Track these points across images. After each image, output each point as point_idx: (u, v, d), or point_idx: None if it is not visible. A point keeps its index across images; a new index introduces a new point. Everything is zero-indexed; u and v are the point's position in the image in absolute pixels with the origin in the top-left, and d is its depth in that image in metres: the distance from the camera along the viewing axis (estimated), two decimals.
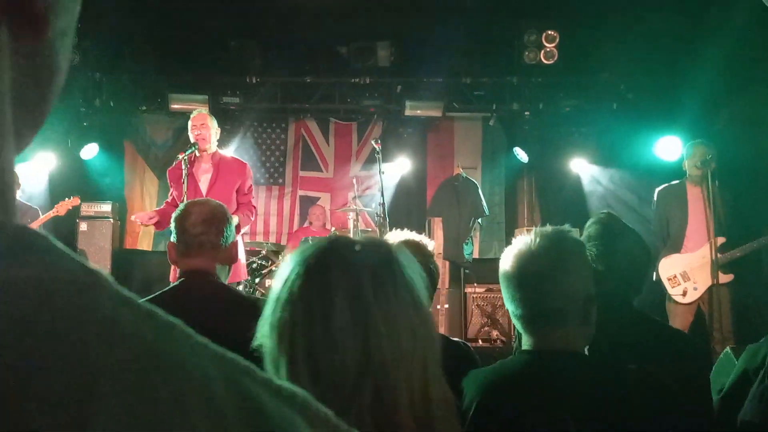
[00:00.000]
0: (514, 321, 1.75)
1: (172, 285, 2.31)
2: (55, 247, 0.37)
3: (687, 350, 2.19)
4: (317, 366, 0.99)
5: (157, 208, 5.09)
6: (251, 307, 2.27)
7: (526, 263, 1.69)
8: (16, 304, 0.33)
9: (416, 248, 2.36)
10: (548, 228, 1.76)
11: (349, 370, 0.98)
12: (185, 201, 4.54)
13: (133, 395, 0.32)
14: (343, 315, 0.99)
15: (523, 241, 1.73)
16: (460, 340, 2.43)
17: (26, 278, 0.34)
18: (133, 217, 4.96)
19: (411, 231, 2.68)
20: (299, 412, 0.39)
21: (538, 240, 1.71)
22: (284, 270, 1.07)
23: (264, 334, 1.05)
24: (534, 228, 1.78)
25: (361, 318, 0.99)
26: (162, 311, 0.38)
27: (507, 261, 1.74)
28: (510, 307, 1.73)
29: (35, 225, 5.91)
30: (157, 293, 2.27)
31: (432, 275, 2.34)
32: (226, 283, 2.46)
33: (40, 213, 6.09)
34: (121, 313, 0.36)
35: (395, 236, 2.46)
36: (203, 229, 2.31)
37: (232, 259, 2.41)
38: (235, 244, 2.40)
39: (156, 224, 4.79)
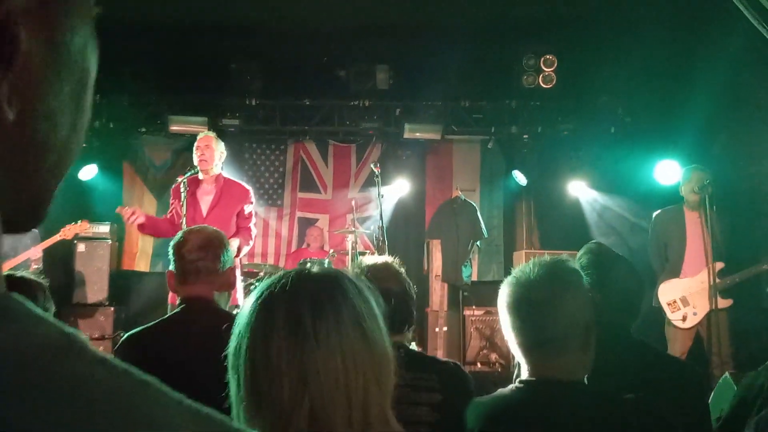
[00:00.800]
0: (513, 350, 1.77)
1: (172, 312, 2.32)
2: (32, 312, 0.38)
3: (684, 378, 2.20)
4: (257, 394, 1.05)
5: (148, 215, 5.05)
6: None
7: (526, 292, 1.71)
8: None
9: (387, 269, 2.35)
10: (546, 257, 1.79)
11: (285, 395, 1.02)
12: (184, 223, 4.57)
13: None
14: (280, 345, 1.04)
15: (522, 270, 1.76)
16: (450, 360, 2.43)
17: (2, 345, 0.34)
18: (117, 209, 4.88)
19: (398, 255, 2.67)
20: None
21: (536, 269, 1.73)
22: (249, 298, 1.13)
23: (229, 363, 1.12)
24: (533, 258, 1.80)
25: (298, 348, 1.03)
26: (137, 369, 0.38)
27: (506, 290, 1.76)
28: (509, 336, 1.75)
29: (40, 248, 5.90)
30: (157, 321, 2.29)
31: (406, 292, 2.33)
32: (226, 308, 2.48)
33: (39, 235, 6.07)
34: (96, 374, 0.36)
35: (368, 260, 2.47)
36: (200, 255, 2.33)
37: (231, 284, 2.43)
38: (232, 270, 2.42)
39: (139, 226, 4.77)
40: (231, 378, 1.10)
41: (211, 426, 0.38)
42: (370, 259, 2.43)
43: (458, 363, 2.43)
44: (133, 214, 4.69)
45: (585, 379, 1.75)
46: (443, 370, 2.29)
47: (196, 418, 0.38)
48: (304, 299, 1.07)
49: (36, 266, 5.77)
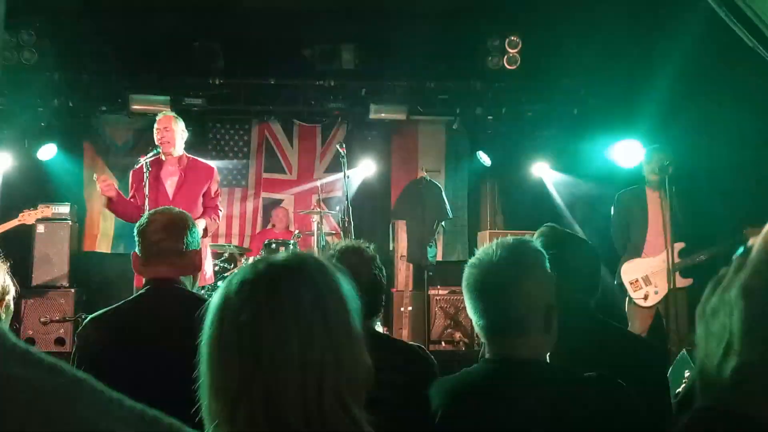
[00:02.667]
0: (478, 330, 1.78)
1: (137, 293, 2.31)
2: None
3: (644, 354, 2.25)
4: (215, 374, 1.07)
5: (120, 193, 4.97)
6: None
7: (488, 274, 1.72)
8: None
9: (356, 254, 2.37)
10: (509, 238, 1.80)
11: (238, 375, 1.04)
12: (147, 204, 4.52)
13: None
14: (237, 323, 1.06)
15: (485, 252, 1.76)
16: (416, 344, 2.46)
17: None
18: (95, 176, 4.80)
19: (364, 236, 2.70)
20: None
21: (498, 251, 1.74)
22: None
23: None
24: (496, 239, 1.81)
25: (254, 325, 1.05)
26: (67, 365, 0.33)
27: (469, 273, 1.77)
28: (473, 317, 1.76)
29: None
30: (122, 302, 2.27)
31: (377, 277, 2.36)
32: (192, 289, 2.46)
33: None
34: (14, 371, 0.31)
35: (336, 244, 2.48)
36: (163, 236, 2.31)
37: (195, 266, 2.41)
38: (197, 252, 2.40)
39: (109, 200, 4.70)
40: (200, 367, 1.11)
41: (154, 429, 0.34)
42: (342, 244, 2.44)
43: (422, 345, 2.46)
44: (106, 180, 4.63)
45: (547, 357, 1.78)
46: (407, 351, 2.31)
47: (137, 420, 0.33)
48: (263, 282, 1.09)
49: None
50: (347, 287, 1.15)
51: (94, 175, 4.78)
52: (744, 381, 0.53)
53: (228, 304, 1.09)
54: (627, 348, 2.24)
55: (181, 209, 2.50)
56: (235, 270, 5.74)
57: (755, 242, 0.58)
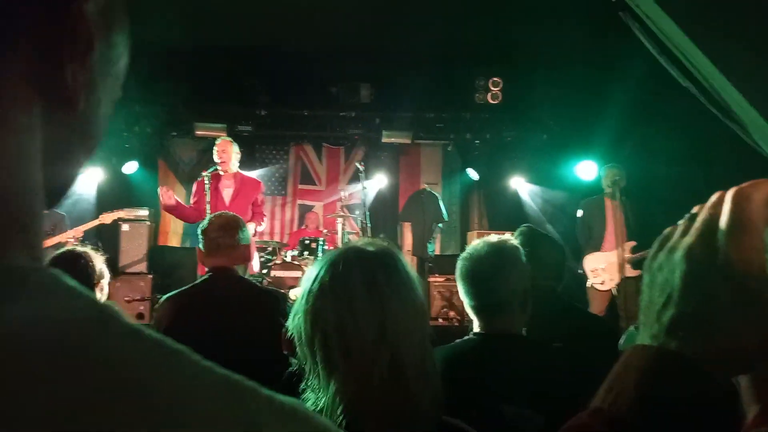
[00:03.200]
0: (468, 310, 1.78)
1: (200, 278, 2.32)
2: (64, 284, 0.32)
3: (600, 329, 2.24)
4: (345, 342, 0.98)
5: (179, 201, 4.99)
6: (265, 295, 2.30)
7: (477, 265, 1.73)
8: (24, 346, 0.28)
9: None
10: (493, 237, 1.80)
11: (369, 343, 0.97)
12: (208, 210, 4.54)
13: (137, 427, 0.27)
14: (362, 299, 0.99)
15: (474, 248, 1.78)
16: None
17: (37, 317, 0.29)
18: (160, 189, 4.80)
19: (382, 235, 2.69)
20: (300, 426, 0.33)
21: (485, 248, 1.75)
22: (313, 269, 1.07)
23: (298, 321, 1.03)
24: (482, 238, 1.82)
25: (377, 300, 0.99)
26: (169, 340, 0.32)
27: (461, 264, 1.78)
28: (465, 299, 1.77)
29: (81, 229, 5.72)
30: (190, 285, 2.29)
31: None
32: (245, 276, 2.48)
33: (66, 218, 5.85)
34: (128, 346, 0.31)
35: (359, 241, 2.47)
36: (220, 234, 2.33)
37: (246, 258, 2.42)
38: (247, 246, 2.40)
39: (168, 206, 4.71)
40: (308, 329, 1.00)
41: (241, 392, 0.32)
42: (364, 240, 2.43)
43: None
44: (167, 191, 4.67)
45: (523, 331, 1.78)
46: None
47: (226, 385, 0.32)
48: (376, 264, 1.03)
49: (74, 243, 5.58)
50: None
51: (160, 188, 4.79)
52: (678, 327, 0.53)
53: (346, 284, 1.00)
54: (586, 324, 2.23)
55: (234, 213, 2.52)
56: (278, 261, 5.70)
57: (700, 210, 0.56)
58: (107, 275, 2.12)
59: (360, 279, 1.00)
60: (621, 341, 2.66)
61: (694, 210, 0.58)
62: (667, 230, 0.61)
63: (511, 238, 1.86)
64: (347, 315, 0.98)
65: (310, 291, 1.03)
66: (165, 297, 2.27)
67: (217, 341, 2.01)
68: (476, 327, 1.77)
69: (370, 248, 1.07)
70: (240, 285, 2.29)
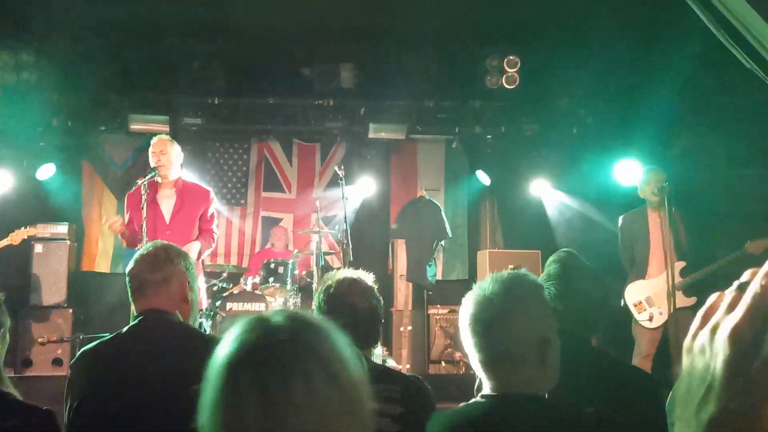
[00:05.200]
0: (475, 366, 1.78)
1: (128, 325, 2.30)
2: None
3: (641, 388, 2.23)
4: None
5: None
6: (210, 348, 2.26)
7: (480, 309, 1.73)
8: None
9: (354, 285, 2.37)
10: (505, 273, 1.80)
11: None
12: (145, 227, 4.52)
13: None
14: (251, 411, 0.99)
15: (480, 286, 1.77)
16: (413, 375, 2.46)
17: None
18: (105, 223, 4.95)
19: (363, 256, 2.70)
20: None
21: (492, 285, 1.75)
22: (214, 360, 1.07)
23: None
24: (491, 273, 1.81)
25: (269, 414, 0.98)
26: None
27: (464, 307, 1.78)
28: (469, 352, 1.77)
29: None
30: (114, 334, 2.27)
31: (375, 308, 2.36)
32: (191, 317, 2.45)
33: None
34: None
35: (333, 274, 2.47)
36: (143, 267, 2.35)
37: (180, 297, 2.38)
38: (180, 282, 2.38)
39: (122, 235, 4.86)
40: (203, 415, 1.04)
41: None
42: (341, 274, 2.43)
43: (419, 377, 2.46)
44: (121, 225, 4.80)
45: (546, 393, 1.76)
46: (405, 382, 2.31)
47: None
48: (271, 364, 1.01)
49: None
50: (350, 352, 1.08)
51: (104, 220, 4.95)
52: (719, 429, 0.52)
53: (235, 389, 1.01)
54: (626, 382, 2.22)
55: (167, 242, 2.51)
56: (235, 291, 5.73)
57: (753, 278, 0.56)
58: (8, 323, 2.07)
59: (249, 386, 1.00)
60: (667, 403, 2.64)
61: (745, 277, 0.58)
62: (713, 298, 0.61)
63: (528, 272, 1.85)
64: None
65: (206, 383, 1.06)
66: (81, 352, 2.26)
67: (146, 412, 1.99)
68: (486, 387, 1.76)
69: (275, 332, 1.05)
70: (177, 333, 2.27)
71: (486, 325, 1.71)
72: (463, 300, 1.80)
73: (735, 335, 0.54)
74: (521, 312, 1.71)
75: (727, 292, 0.59)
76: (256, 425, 0.98)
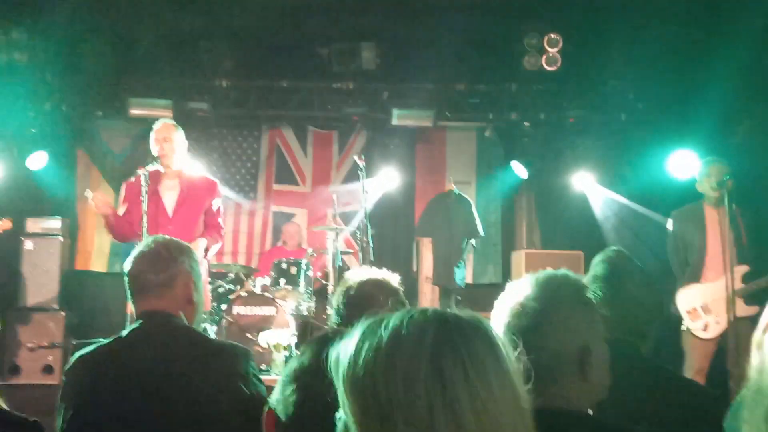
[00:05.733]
0: None
1: (127, 329, 2.31)
2: None
3: (699, 404, 2.20)
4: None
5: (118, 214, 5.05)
6: (219, 353, 2.27)
7: (513, 316, 1.70)
8: None
9: (378, 287, 2.36)
10: (543, 273, 1.77)
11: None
12: (146, 221, 4.54)
13: None
14: (429, 398, 1.00)
15: (515, 289, 1.74)
16: None
17: None
18: (88, 192, 4.90)
19: (385, 256, 2.69)
20: None
21: (527, 289, 1.72)
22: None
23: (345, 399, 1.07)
24: (529, 273, 1.78)
25: (449, 407, 1.00)
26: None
27: (498, 312, 1.75)
28: None
29: None
30: (109, 340, 2.28)
31: None
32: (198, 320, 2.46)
33: None
34: None
35: (354, 274, 2.46)
36: (146, 268, 2.34)
37: (188, 297, 2.39)
38: (186, 283, 2.39)
39: (106, 219, 4.83)
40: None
41: None
42: (363, 274, 2.42)
43: None
44: (102, 197, 4.74)
45: (589, 409, 1.74)
46: None
47: None
48: (461, 352, 1.05)
49: None
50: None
51: (87, 190, 4.82)
52: None
53: (410, 372, 1.02)
54: (680, 396, 2.19)
55: (170, 237, 2.51)
56: (243, 293, 5.77)
57: None
58: None
59: (432, 374, 1.01)
60: (730, 412, 2.61)
61: None
62: None
63: (569, 272, 1.82)
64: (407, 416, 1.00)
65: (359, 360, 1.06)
66: (75, 356, 2.27)
67: (148, 424, 2.00)
68: None
69: (461, 321, 1.10)
70: (181, 339, 2.27)
71: (518, 334, 1.65)
72: (496, 304, 1.77)
73: None
74: (560, 318, 1.68)
75: None
76: (436, 415, 0.99)
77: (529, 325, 1.67)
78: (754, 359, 0.59)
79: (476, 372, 1.03)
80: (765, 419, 0.54)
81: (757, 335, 0.60)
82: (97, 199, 4.78)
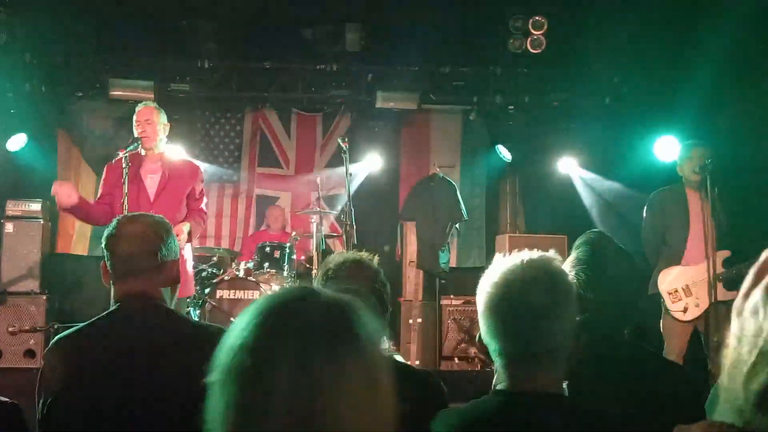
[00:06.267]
0: (494, 357, 1.74)
1: (107, 312, 2.29)
2: None
3: (678, 387, 2.22)
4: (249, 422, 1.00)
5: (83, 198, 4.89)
6: (204, 335, 2.27)
7: (518, 295, 1.68)
8: None
9: (357, 268, 2.37)
10: (534, 254, 1.75)
11: None
12: (126, 204, 4.51)
13: None
14: (283, 379, 0.99)
15: (510, 269, 1.72)
16: (425, 369, 2.46)
17: None
18: (54, 187, 4.64)
19: (368, 239, 2.69)
20: None
21: (528, 270, 1.70)
22: (239, 321, 1.07)
23: (214, 377, 1.05)
24: (516, 252, 1.76)
25: (304, 386, 0.99)
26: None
27: (490, 290, 1.72)
28: (490, 341, 1.72)
29: None
30: (91, 321, 2.26)
31: (380, 295, 2.35)
32: (172, 303, 2.44)
33: None
34: None
35: (335, 256, 2.47)
36: (133, 248, 2.28)
37: (174, 278, 2.39)
38: (174, 263, 2.37)
39: (69, 206, 4.60)
40: (216, 398, 1.04)
41: None
42: (342, 256, 2.42)
43: (431, 372, 2.46)
44: (66, 186, 4.60)
45: (564, 387, 1.75)
46: (415, 378, 2.30)
47: None
48: (316, 334, 1.03)
49: None
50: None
51: (53, 189, 4.64)
52: None
53: (270, 351, 1.02)
54: (659, 379, 2.21)
55: (154, 214, 2.49)
56: (226, 277, 5.77)
57: None
58: None
59: (289, 354, 1.00)
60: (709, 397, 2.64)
61: None
62: (766, 254, 0.61)
63: (555, 255, 1.82)
64: (258, 395, 0.99)
65: (230, 341, 1.05)
66: (55, 340, 2.24)
67: (133, 409, 2.00)
68: (501, 382, 1.74)
69: (321, 301, 1.07)
70: (164, 321, 2.26)
71: (526, 315, 1.66)
72: (484, 281, 1.74)
73: None
74: (567, 307, 1.70)
75: None
76: (288, 395, 0.98)
77: (536, 308, 1.67)
78: (734, 326, 0.60)
79: (331, 361, 1.00)
80: (744, 386, 0.55)
81: (737, 302, 0.61)
82: (61, 193, 4.54)
